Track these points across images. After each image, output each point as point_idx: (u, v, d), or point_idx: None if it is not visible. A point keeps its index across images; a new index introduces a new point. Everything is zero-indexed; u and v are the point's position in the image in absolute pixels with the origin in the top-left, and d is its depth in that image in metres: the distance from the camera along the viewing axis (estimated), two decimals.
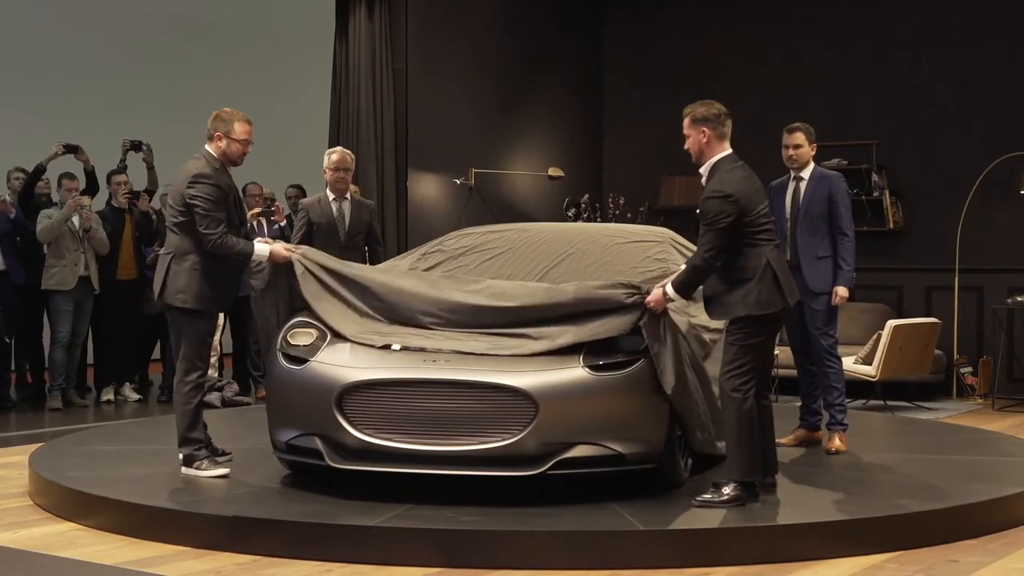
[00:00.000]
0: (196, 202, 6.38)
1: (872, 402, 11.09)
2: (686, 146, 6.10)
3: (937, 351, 11.33)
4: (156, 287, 6.58)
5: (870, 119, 12.30)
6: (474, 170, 12.43)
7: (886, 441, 8.47)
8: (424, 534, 5.36)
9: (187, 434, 6.50)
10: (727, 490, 5.86)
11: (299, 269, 6.57)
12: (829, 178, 7.58)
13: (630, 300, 6.01)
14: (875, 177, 12.24)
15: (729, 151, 6.05)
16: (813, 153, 7.63)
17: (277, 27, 13.88)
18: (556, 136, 13.51)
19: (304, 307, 6.57)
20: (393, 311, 6.46)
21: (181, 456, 6.54)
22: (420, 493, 5.84)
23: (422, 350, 6.11)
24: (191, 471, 6.50)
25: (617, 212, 12.82)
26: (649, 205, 13.06)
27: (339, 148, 8.30)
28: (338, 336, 6.30)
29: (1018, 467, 7.12)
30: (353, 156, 8.21)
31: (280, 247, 6.65)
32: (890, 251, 12.32)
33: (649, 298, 5.97)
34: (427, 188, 12.11)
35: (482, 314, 6.31)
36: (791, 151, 7.55)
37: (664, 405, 5.94)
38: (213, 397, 10.33)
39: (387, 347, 6.15)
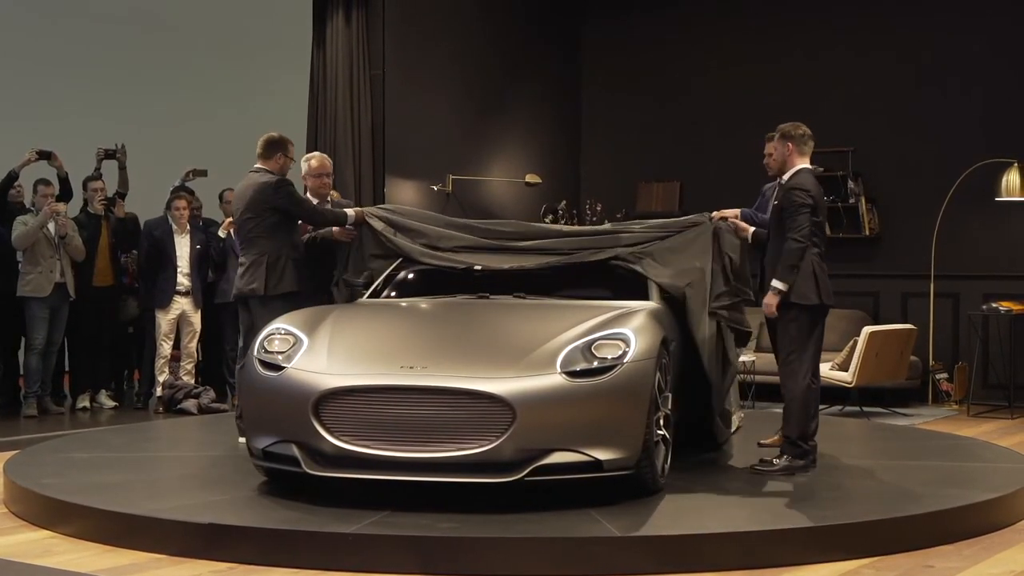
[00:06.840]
0: (288, 202, 7.43)
1: (848, 408, 11.13)
2: (771, 159, 7.07)
3: (913, 357, 11.39)
4: (257, 287, 7.38)
5: (846, 125, 12.33)
6: (452, 176, 12.42)
7: (862, 447, 8.50)
8: (401, 541, 5.35)
9: None
10: (778, 461, 6.78)
11: (379, 215, 7.50)
12: None
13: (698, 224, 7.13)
14: (851, 184, 12.29)
15: (809, 164, 6.95)
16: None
17: (254, 33, 13.83)
18: (534, 142, 13.52)
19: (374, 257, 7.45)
20: (463, 240, 7.38)
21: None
22: (397, 500, 5.83)
23: (502, 268, 7.08)
24: None
25: (594, 218, 12.83)
26: (626, 211, 13.07)
27: (317, 153, 8.13)
28: (421, 263, 7.31)
29: (993, 472, 7.16)
30: (331, 160, 8.14)
31: (359, 208, 7.72)
32: (866, 258, 12.37)
33: (765, 304, 6.79)
34: (405, 194, 12.09)
35: (548, 248, 7.24)
36: (766, 159, 7.54)
37: (642, 412, 5.94)
38: (190, 404, 10.30)
39: (470, 268, 7.12)
